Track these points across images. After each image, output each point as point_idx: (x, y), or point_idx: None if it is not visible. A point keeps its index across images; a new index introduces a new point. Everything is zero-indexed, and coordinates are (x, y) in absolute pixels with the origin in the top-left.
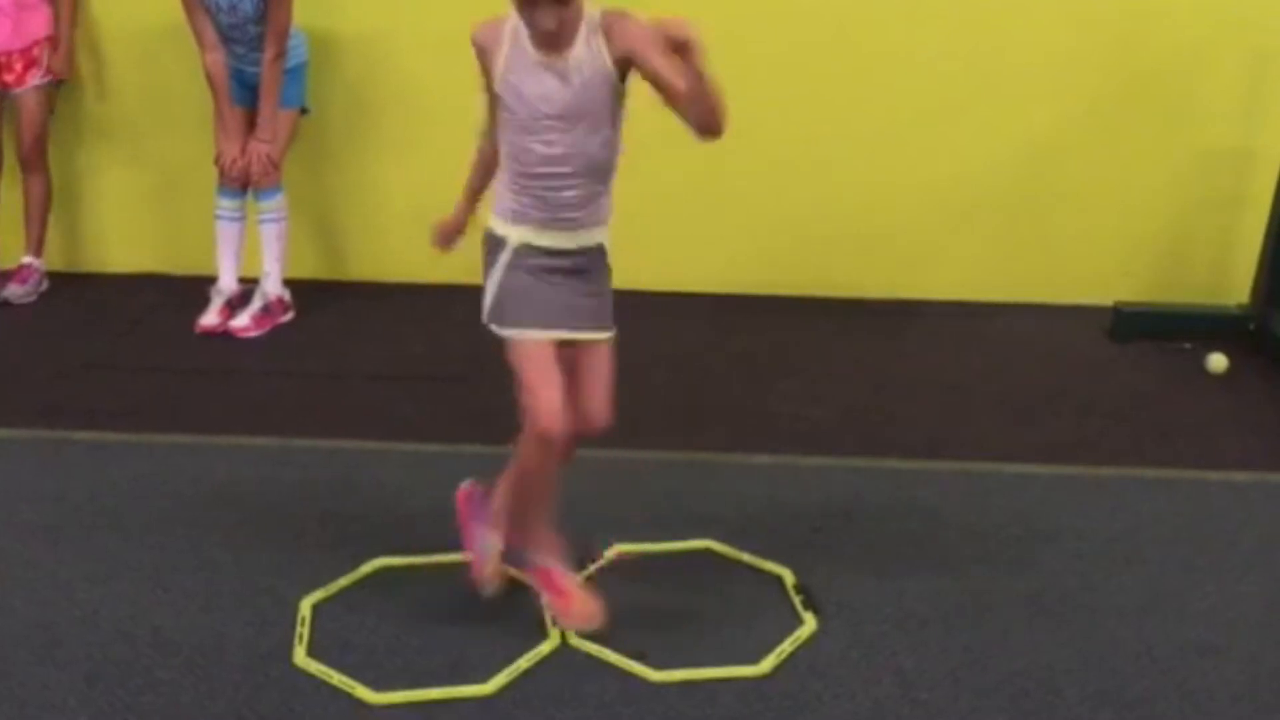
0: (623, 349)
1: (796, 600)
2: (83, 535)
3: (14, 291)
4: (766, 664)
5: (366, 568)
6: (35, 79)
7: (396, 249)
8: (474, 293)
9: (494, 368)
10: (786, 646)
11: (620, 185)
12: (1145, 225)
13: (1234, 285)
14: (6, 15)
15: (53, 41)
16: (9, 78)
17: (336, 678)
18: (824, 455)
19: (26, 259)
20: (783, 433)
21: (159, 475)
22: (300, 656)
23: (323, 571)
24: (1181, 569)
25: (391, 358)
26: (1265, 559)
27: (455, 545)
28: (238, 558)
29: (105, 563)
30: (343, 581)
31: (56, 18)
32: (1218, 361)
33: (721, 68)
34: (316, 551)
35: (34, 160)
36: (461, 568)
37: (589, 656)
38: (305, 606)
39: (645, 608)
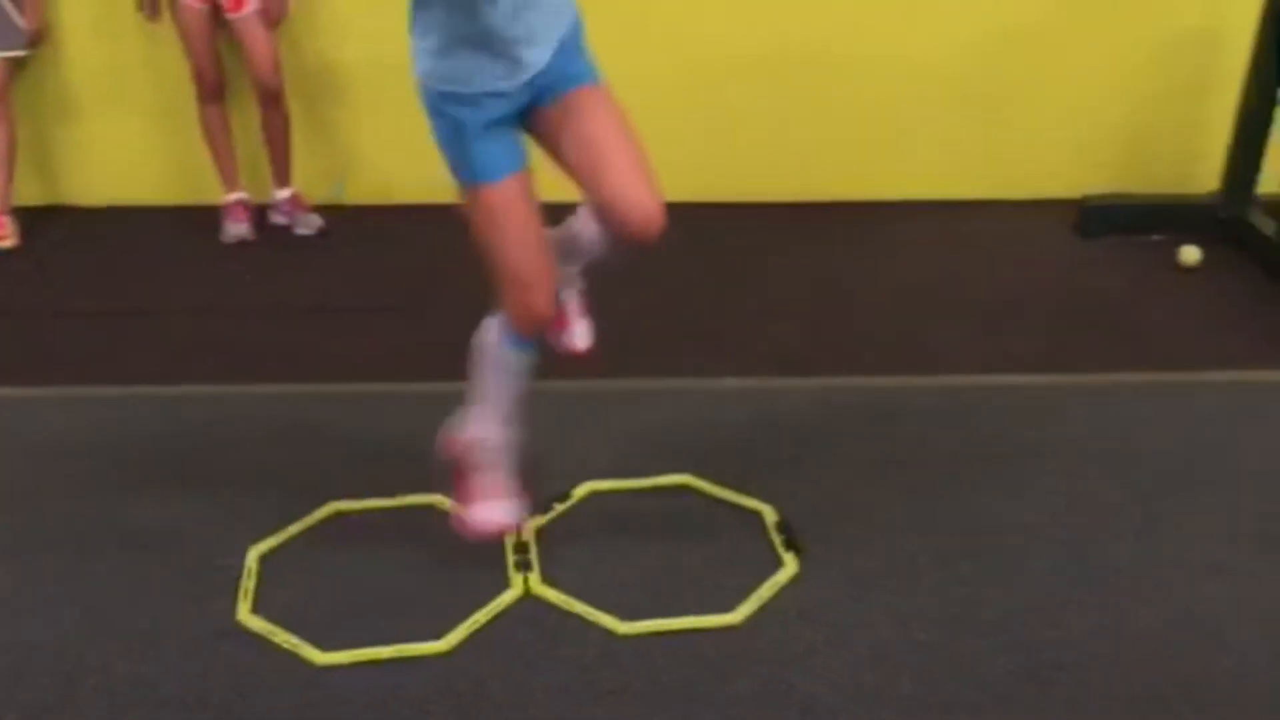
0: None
1: (777, 540)
2: None
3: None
4: (742, 612)
5: (318, 513)
6: (252, 6)
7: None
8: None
9: (433, 296)
10: (765, 592)
11: None
12: (1111, 114)
13: (1203, 173)
14: None
15: None
16: (224, 2)
17: (281, 636)
18: (796, 376)
19: (284, 192)
20: (750, 352)
21: (72, 432)
22: (244, 613)
23: (269, 520)
24: (1176, 482)
25: (319, 290)
26: (1259, 466)
27: (400, 489)
28: (168, 517)
29: (18, 537)
30: (293, 528)
31: None
32: (1190, 254)
33: None
34: (260, 501)
35: (271, 90)
36: (414, 511)
37: (553, 607)
38: (252, 557)
39: (619, 553)
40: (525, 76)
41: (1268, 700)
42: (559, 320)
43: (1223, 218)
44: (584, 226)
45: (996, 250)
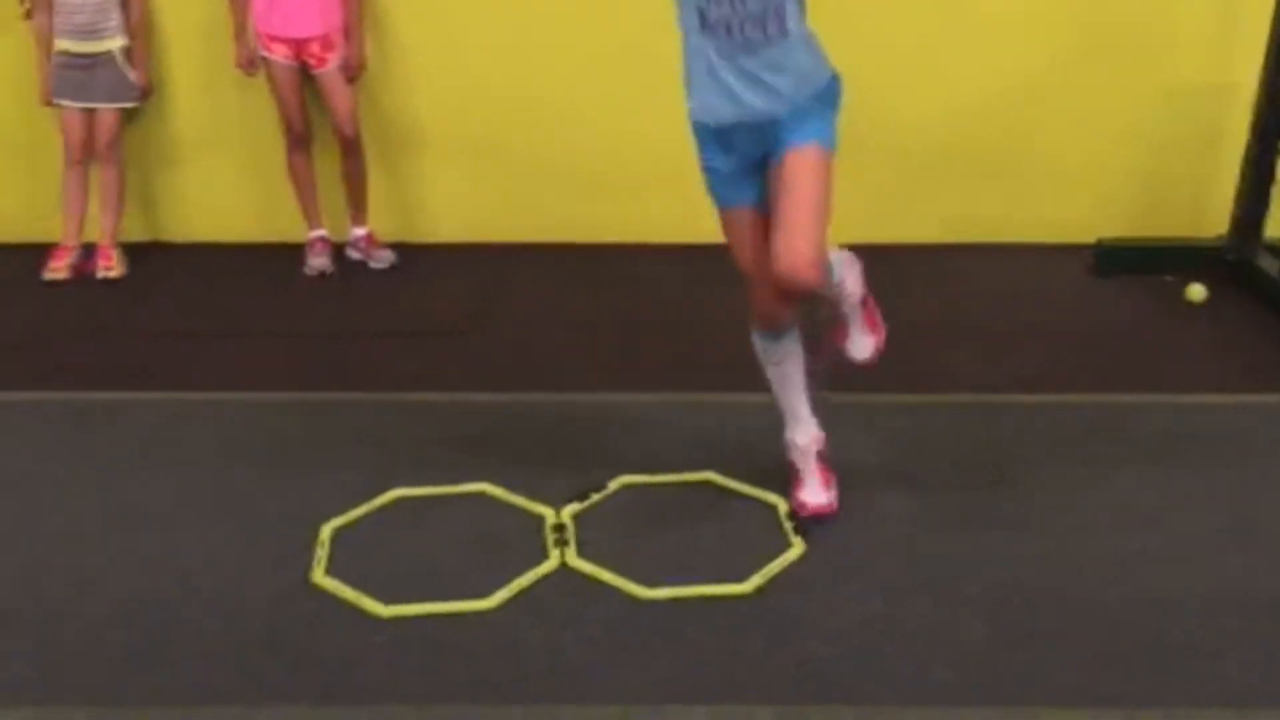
0: (611, 299)
1: (788, 526)
2: (106, 486)
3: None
4: (752, 583)
5: (383, 498)
6: (334, 63)
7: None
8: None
9: (488, 321)
10: (773, 568)
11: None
12: (1124, 162)
13: (1213, 218)
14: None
15: (346, 31)
16: (310, 59)
17: (350, 593)
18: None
19: (361, 230)
20: None
21: (169, 430)
22: (318, 575)
23: (340, 503)
24: (1155, 486)
25: (389, 315)
26: (1236, 474)
27: (456, 479)
28: (255, 499)
29: (130, 511)
30: (361, 509)
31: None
32: (1197, 291)
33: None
34: (332, 487)
35: (349, 138)
36: (467, 498)
37: (586, 577)
38: (325, 531)
39: (646, 534)
40: (754, 119)
41: (1211, 665)
42: (839, 332)
43: (1231, 260)
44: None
45: (1014, 288)
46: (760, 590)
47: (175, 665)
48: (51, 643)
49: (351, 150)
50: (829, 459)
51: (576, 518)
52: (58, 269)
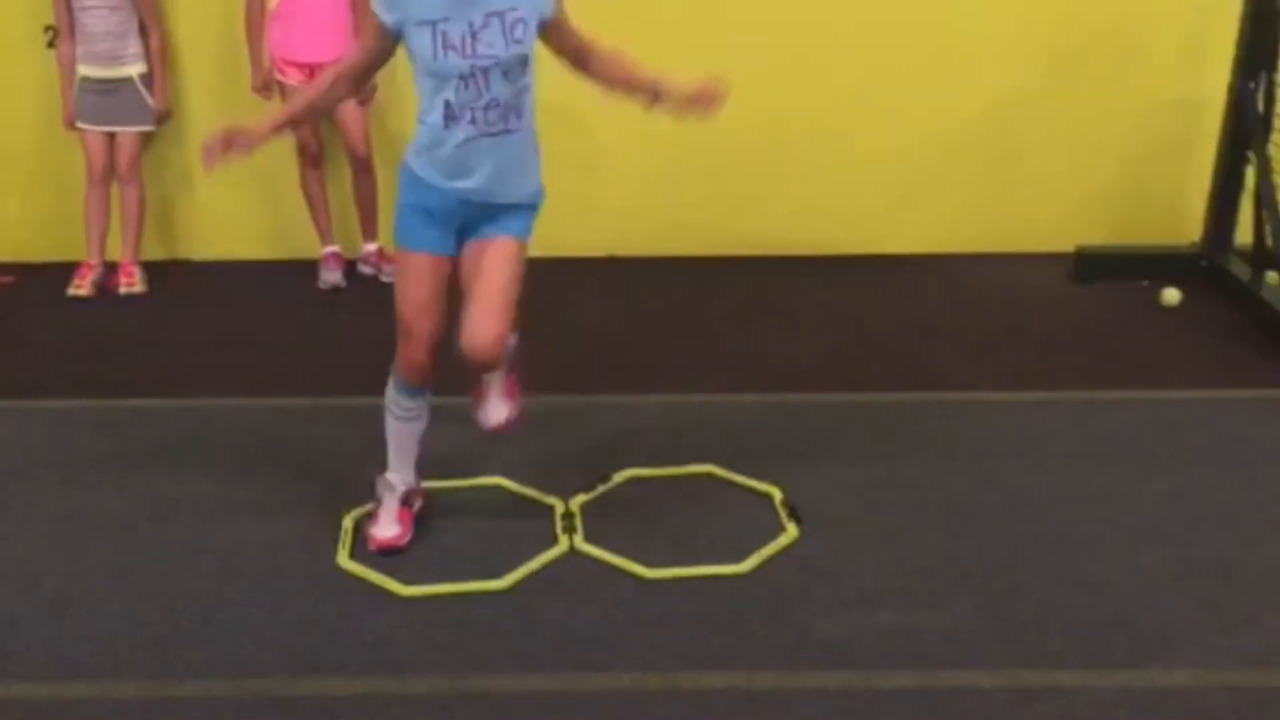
0: (624, 309)
1: (783, 513)
2: (140, 485)
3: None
4: (748, 564)
5: None
6: None
7: None
8: None
9: None
10: (769, 550)
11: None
12: (1102, 174)
13: (1187, 226)
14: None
15: None
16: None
17: (373, 576)
18: (809, 392)
19: (372, 245)
20: (772, 374)
21: (195, 432)
22: (343, 559)
23: (360, 495)
24: (1132, 473)
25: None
26: (1207, 460)
27: (474, 473)
28: (281, 495)
29: (166, 506)
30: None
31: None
32: (1171, 295)
33: (695, 35)
34: (352, 481)
35: (362, 158)
36: (482, 490)
37: (593, 559)
38: (347, 521)
39: (650, 521)
40: (457, 196)
41: (1184, 630)
42: (478, 393)
43: (1204, 265)
44: None
45: (997, 294)
46: (757, 570)
47: (218, 643)
48: (100, 624)
49: (363, 170)
50: (411, 504)
51: (584, 507)
52: (82, 286)
